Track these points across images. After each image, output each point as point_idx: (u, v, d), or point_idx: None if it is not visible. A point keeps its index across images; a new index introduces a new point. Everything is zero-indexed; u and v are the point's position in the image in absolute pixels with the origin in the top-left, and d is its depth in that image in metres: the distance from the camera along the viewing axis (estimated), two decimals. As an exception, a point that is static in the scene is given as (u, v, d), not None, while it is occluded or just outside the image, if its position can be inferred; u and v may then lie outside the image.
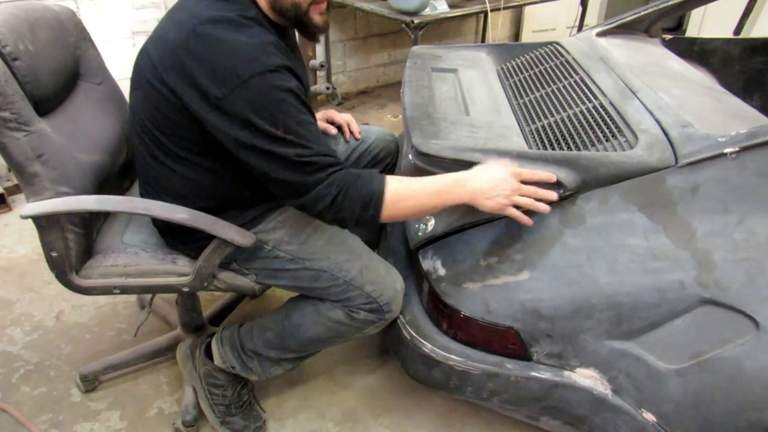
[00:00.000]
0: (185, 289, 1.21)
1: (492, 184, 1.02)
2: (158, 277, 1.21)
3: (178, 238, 1.22)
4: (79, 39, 1.31)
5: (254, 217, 1.17)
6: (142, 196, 1.21)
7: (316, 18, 1.08)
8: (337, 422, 1.45)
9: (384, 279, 1.19)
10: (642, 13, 1.68)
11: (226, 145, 1.02)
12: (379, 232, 1.60)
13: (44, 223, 1.09)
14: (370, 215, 1.03)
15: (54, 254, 1.13)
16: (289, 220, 1.19)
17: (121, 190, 1.37)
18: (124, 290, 1.21)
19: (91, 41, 1.36)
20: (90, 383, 1.49)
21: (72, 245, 1.15)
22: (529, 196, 1.04)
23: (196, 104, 0.98)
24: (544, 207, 1.05)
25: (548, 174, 1.04)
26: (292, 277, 1.20)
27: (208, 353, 1.37)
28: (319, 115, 1.49)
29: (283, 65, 0.99)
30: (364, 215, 1.03)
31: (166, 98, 1.02)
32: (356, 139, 1.48)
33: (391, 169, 1.55)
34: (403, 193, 1.03)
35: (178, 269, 1.22)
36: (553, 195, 1.05)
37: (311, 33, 1.11)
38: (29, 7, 1.18)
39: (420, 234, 1.21)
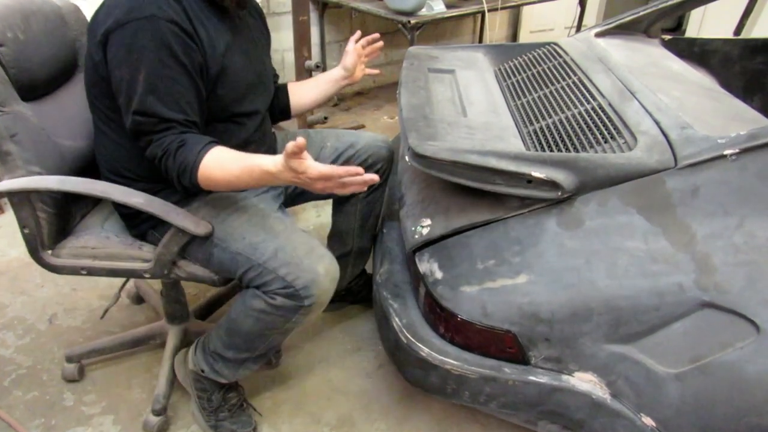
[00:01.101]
0: (147, 275, 1.24)
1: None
2: (123, 261, 1.25)
3: (131, 223, 1.26)
4: (80, 33, 1.36)
5: (181, 198, 1.19)
6: (100, 174, 1.26)
7: None
8: (332, 427, 1.43)
9: (301, 260, 1.12)
10: (641, 14, 1.67)
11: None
12: (370, 237, 1.59)
13: (16, 201, 1.16)
14: (188, 183, 1.07)
15: (26, 231, 1.19)
16: (213, 199, 1.21)
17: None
18: (91, 272, 1.26)
19: None
20: (75, 366, 1.52)
21: (43, 223, 1.21)
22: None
23: (91, 47, 1.09)
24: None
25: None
26: (217, 261, 1.19)
27: None
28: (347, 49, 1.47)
29: (168, 18, 1.03)
30: (183, 181, 1.08)
31: (89, 53, 1.11)
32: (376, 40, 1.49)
33: (384, 176, 1.54)
34: (214, 166, 1.05)
35: (142, 255, 1.25)
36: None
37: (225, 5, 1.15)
38: (27, 1, 1.24)
39: (417, 236, 1.19)
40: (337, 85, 1.51)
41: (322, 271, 1.13)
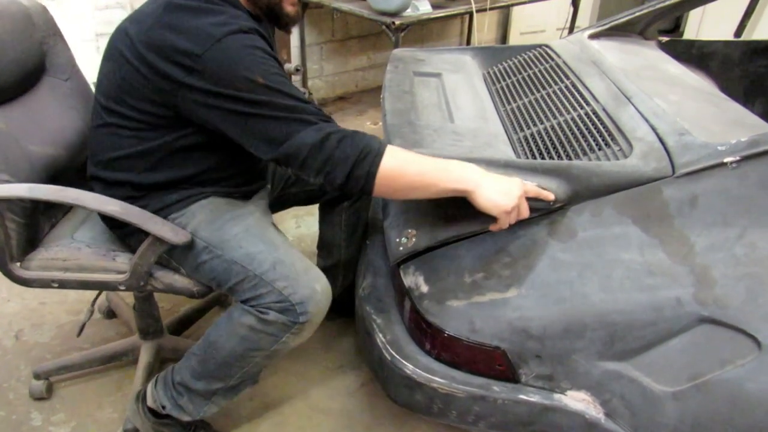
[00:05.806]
0: (122, 288, 1.22)
1: (501, 188, 0.98)
2: (96, 273, 1.23)
3: (118, 231, 1.23)
4: (47, 34, 1.34)
5: (177, 200, 1.17)
6: (88, 167, 1.24)
7: (288, 8, 1.16)
8: (314, 447, 1.40)
9: (299, 276, 1.11)
10: (637, 14, 1.67)
11: (198, 113, 1.04)
12: (359, 247, 1.56)
13: None
14: (365, 172, 0.96)
15: None
16: (212, 204, 1.19)
17: (80, 187, 1.35)
18: (62, 284, 1.23)
19: (60, 37, 1.38)
20: (43, 383, 1.48)
21: (12, 234, 1.17)
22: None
23: (173, 72, 1.01)
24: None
25: (549, 194, 1.03)
26: (209, 269, 1.16)
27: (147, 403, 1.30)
28: None
29: (254, 28, 1.06)
30: (358, 171, 0.96)
31: (138, 70, 1.05)
32: None
33: None
34: (405, 159, 0.98)
35: (116, 266, 1.23)
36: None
37: (284, 24, 1.19)
38: None
39: (401, 248, 1.16)
40: None
41: (319, 288, 1.13)
